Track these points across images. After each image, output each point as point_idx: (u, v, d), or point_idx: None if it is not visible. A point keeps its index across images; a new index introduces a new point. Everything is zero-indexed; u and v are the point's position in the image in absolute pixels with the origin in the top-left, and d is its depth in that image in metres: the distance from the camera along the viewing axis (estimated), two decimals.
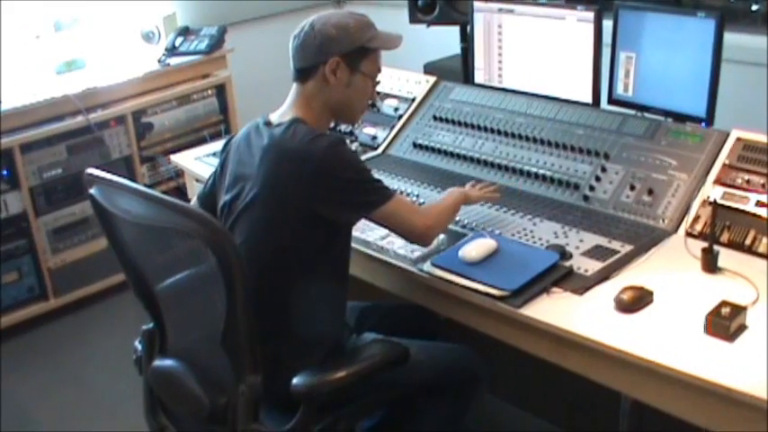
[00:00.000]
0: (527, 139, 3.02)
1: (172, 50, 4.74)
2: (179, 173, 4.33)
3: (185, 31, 4.86)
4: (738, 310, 2.03)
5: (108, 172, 2.22)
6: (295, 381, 2.17)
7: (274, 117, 2.43)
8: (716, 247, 2.32)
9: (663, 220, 2.57)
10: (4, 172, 4.10)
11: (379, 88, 3.50)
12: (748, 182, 2.53)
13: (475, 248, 2.41)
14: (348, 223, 2.38)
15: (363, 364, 2.27)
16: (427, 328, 2.73)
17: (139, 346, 2.47)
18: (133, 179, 4.48)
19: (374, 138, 3.39)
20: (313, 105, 2.40)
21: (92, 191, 2.23)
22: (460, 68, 4.22)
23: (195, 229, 1.98)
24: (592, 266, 2.36)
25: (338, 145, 2.29)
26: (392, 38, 2.49)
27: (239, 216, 2.35)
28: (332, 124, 2.69)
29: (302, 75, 2.40)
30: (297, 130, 2.32)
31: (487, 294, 2.28)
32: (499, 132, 3.10)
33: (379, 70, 2.48)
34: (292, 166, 2.26)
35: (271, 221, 2.30)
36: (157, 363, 2.39)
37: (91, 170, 2.24)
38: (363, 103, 2.52)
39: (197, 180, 3.47)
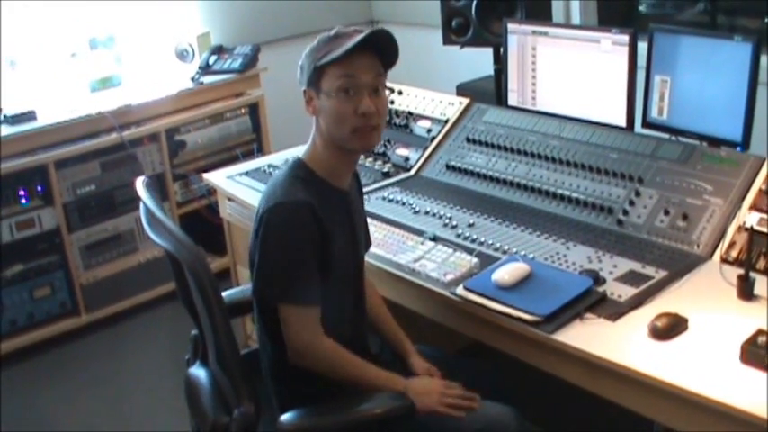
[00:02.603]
0: (560, 162, 3.01)
1: (205, 69, 4.78)
2: (211, 191, 4.35)
3: (219, 50, 4.90)
4: None
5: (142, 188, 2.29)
6: (283, 418, 2.13)
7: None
8: (752, 274, 2.29)
9: (697, 246, 2.55)
10: (39, 188, 4.14)
11: (411, 109, 3.54)
12: None
13: (508, 272, 2.40)
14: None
15: (359, 413, 2.17)
16: (485, 385, 2.42)
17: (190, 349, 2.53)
18: (165, 197, 4.51)
19: (407, 159, 3.39)
20: (316, 141, 2.33)
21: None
22: (493, 90, 4.22)
23: (177, 249, 2.01)
24: (625, 292, 2.34)
25: (286, 209, 2.18)
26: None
27: None
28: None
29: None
30: (284, 172, 2.30)
31: (520, 319, 2.27)
32: (532, 155, 3.09)
33: (344, 76, 2.21)
34: (259, 209, 2.25)
35: (253, 255, 2.29)
36: (192, 369, 2.44)
37: (138, 180, 2.32)
38: (342, 123, 2.24)
39: (229, 199, 3.48)
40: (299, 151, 3.67)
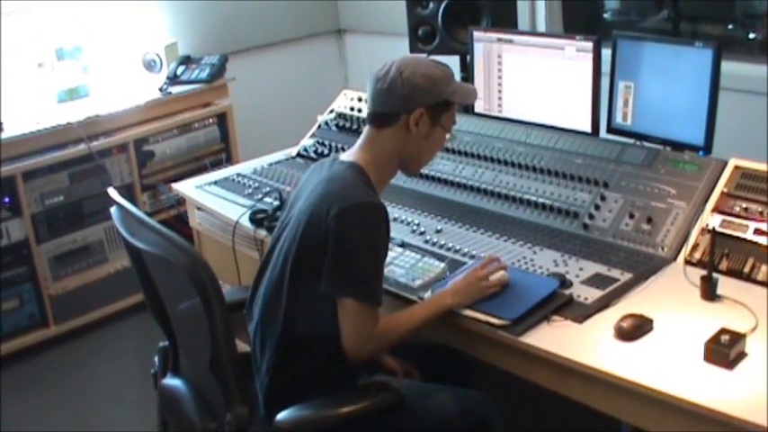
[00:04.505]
0: (527, 168, 3.04)
1: (173, 79, 4.77)
2: (180, 201, 4.34)
3: (187, 60, 4.89)
4: (738, 337, 2.04)
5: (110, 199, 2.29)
6: (279, 416, 2.17)
7: (343, 156, 2.42)
8: (715, 275, 2.33)
9: (662, 248, 2.59)
10: (6, 199, 4.11)
11: None
12: (746, 210, 2.55)
13: None
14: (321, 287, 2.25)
15: (351, 407, 2.22)
16: (456, 372, 2.65)
17: (157, 361, 2.54)
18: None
19: None
20: (384, 152, 2.37)
21: (112, 210, 2.31)
22: None
23: (178, 258, 2.02)
24: (592, 294, 2.37)
25: (369, 209, 2.23)
26: (470, 91, 2.50)
27: (280, 236, 2.39)
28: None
29: (380, 120, 2.36)
30: (349, 174, 2.31)
31: (488, 323, 2.29)
32: (499, 161, 3.12)
33: (454, 123, 2.46)
34: (326, 205, 2.23)
35: (293, 246, 2.29)
36: (166, 381, 2.46)
37: (111, 190, 2.34)
38: (434, 156, 2.51)
39: (198, 208, 3.49)
40: (268, 160, 3.69)
